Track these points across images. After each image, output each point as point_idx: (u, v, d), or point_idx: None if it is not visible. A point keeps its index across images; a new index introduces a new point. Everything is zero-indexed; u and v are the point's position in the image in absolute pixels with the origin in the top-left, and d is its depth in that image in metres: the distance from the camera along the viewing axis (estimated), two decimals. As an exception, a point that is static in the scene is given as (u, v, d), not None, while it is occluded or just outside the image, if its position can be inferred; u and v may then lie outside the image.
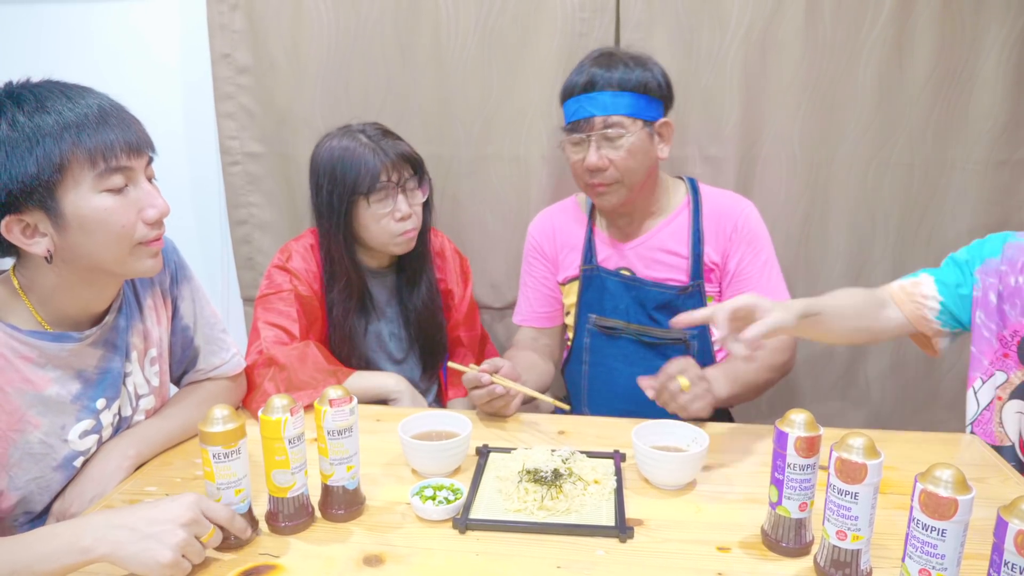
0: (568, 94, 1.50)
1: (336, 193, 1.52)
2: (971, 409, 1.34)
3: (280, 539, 1.01)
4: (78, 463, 1.14)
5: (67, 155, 1.00)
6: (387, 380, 1.53)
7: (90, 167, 1.02)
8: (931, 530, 0.80)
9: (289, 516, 1.02)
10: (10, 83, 1.04)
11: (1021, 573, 0.74)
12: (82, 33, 2.01)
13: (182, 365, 1.36)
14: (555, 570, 0.94)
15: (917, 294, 1.34)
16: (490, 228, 1.98)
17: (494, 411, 1.37)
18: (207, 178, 2.04)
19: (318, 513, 1.06)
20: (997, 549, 0.76)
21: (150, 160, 1.10)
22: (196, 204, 2.05)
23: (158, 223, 1.10)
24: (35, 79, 1.06)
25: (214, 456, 0.96)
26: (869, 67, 1.78)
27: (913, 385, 2.00)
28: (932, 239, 1.89)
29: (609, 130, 1.46)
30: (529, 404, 1.46)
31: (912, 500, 0.82)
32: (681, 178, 1.65)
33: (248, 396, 1.43)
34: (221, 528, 0.95)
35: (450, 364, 1.45)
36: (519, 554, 0.97)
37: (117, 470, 1.16)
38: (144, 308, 1.25)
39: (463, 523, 1.02)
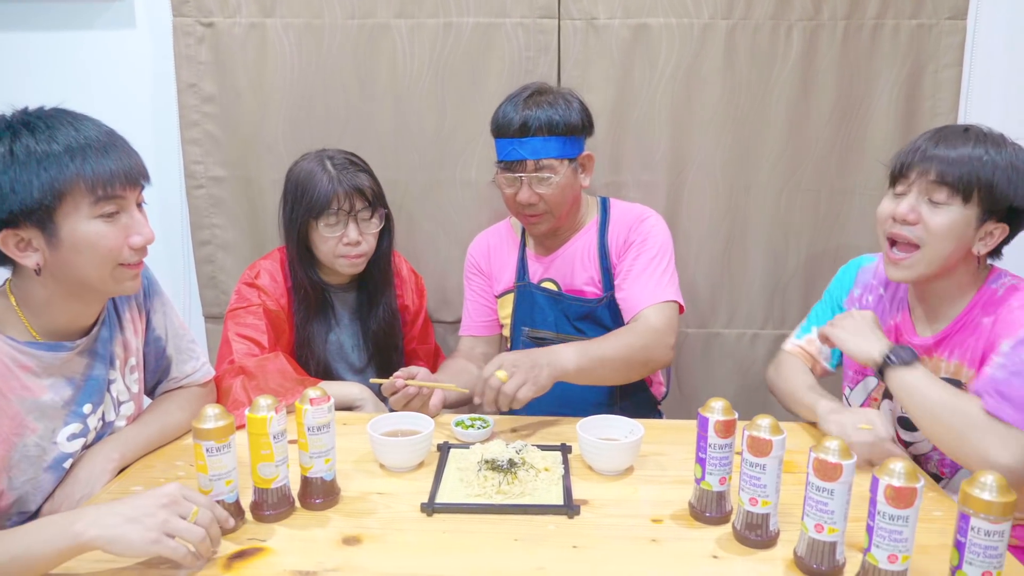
0: (502, 133, 1.63)
1: (295, 211, 1.66)
2: None
3: (265, 526, 1.12)
4: (67, 464, 1.23)
5: (70, 183, 1.10)
6: (352, 389, 1.65)
7: (89, 195, 1.12)
8: (822, 491, 0.98)
9: (273, 505, 1.13)
10: (25, 109, 1.14)
11: (890, 519, 0.92)
12: (51, 61, 2.08)
13: (156, 375, 1.45)
14: (513, 542, 1.08)
15: (814, 349, 1.58)
16: (443, 248, 2.12)
17: (416, 410, 1.50)
18: (172, 200, 2.12)
19: (298, 504, 1.18)
20: (872, 501, 0.94)
21: (142, 188, 1.21)
22: (161, 225, 2.12)
23: (142, 249, 1.20)
24: (47, 107, 1.16)
25: (207, 450, 1.07)
26: (780, 103, 2.00)
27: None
28: (838, 256, 2.10)
29: (540, 172, 1.62)
30: (461, 405, 1.65)
31: (808, 467, 1.00)
32: (595, 197, 1.83)
33: (220, 403, 1.53)
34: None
35: (372, 381, 1.58)
36: (481, 531, 1.11)
37: (103, 472, 1.24)
38: (124, 320, 1.34)
39: (430, 507, 1.16)
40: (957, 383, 1.32)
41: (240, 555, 1.04)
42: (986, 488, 0.89)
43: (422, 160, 2.06)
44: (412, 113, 2.03)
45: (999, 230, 1.28)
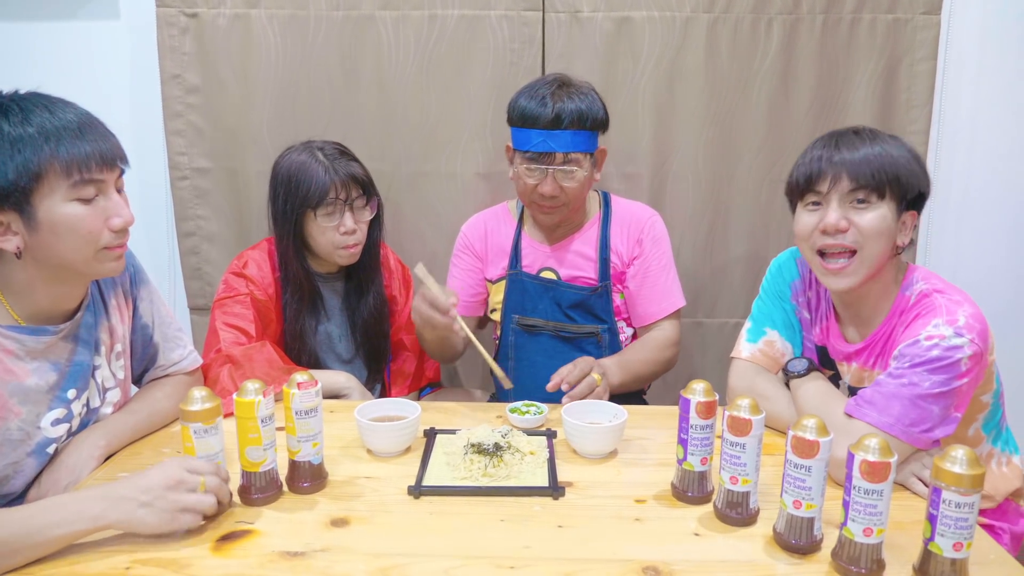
0: (529, 123, 1.62)
1: (289, 203, 1.66)
2: None
3: (253, 510, 1.13)
4: (50, 450, 1.23)
5: (44, 165, 1.10)
6: (338, 377, 1.66)
7: (65, 177, 1.12)
8: (800, 467, 1.00)
9: (261, 488, 1.14)
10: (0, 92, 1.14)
11: (865, 493, 0.95)
12: (33, 51, 2.08)
13: (143, 362, 1.45)
14: (499, 522, 1.10)
15: (776, 353, 1.46)
16: (429, 239, 2.13)
17: (433, 327, 1.47)
18: (156, 192, 2.12)
19: (286, 488, 1.19)
20: (848, 477, 0.96)
21: (121, 172, 1.21)
22: (145, 217, 2.12)
23: (123, 231, 1.20)
24: (22, 91, 1.16)
25: (194, 432, 1.08)
26: (760, 97, 2.03)
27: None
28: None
29: (567, 166, 1.63)
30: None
31: (786, 446, 1.02)
32: (596, 192, 1.86)
33: (207, 391, 1.54)
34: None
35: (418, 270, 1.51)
36: (467, 512, 1.13)
37: (89, 459, 1.25)
38: (109, 307, 1.34)
39: (417, 490, 1.17)
40: None
41: (228, 537, 1.05)
42: (957, 461, 0.92)
43: (407, 152, 2.07)
44: (397, 105, 2.04)
45: (910, 218, 1.30)
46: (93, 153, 1.13)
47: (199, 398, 1.09)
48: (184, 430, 1.08)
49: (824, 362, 1.45)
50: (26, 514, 0.99)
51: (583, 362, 1.52)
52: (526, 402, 1.46)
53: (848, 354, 1.38)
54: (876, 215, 1.25)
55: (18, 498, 1.21)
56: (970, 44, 2.05)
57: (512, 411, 1.44)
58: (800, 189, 1.31)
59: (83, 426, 1.29)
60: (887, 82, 2.02)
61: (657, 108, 2.04)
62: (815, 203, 1.30)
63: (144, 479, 1.03)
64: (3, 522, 0.97)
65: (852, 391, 1.36)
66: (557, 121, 1.60)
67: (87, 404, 1.29)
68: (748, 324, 1.51)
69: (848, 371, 1.39)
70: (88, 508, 1.00)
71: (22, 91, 1.16)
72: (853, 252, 1.27)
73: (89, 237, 1.15)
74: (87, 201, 1.14)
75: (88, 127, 1.15)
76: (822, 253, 1.30)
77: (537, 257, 1.81)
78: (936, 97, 2.04)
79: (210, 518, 1.08)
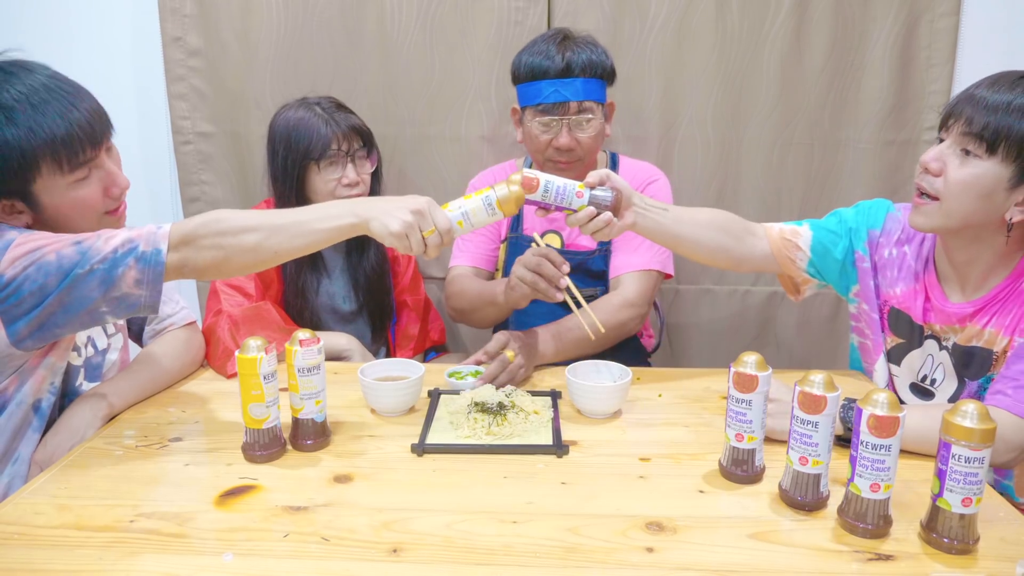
0: (539, 75, 1.58)
1: (290, 158, 1.65)
2: (881, 382, 1.43)
3: (256, 466, 1.13)
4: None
5: (36, 159, 1.13)
6: (339, 339, 1.66)
7: (58, 169, 1.15)
8: (807, 423, 0.99)
9: (264, 446, 1.14)
10: None
11: (872, 449, 0.93)
12: (34, 15, 2.05)
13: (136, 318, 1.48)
14: (502, 479, 1.09)
15: (791, 242, 1.42)
16: (433, 203, 2.11)
17: (538, 277, 1.40)
18: (159, 157, 2.11)
19: (289, 446, 1.19)
20: (856, 432, 0.95)
21: (109, 136, 1.23)
22: (149, 183, 2.12)
23: (121, 194, 1.25)
24: None
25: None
26: (772, 56, 1.98)
27: (817, 344, 2.22)
28: (831, 211, 2.10)
29: (581, 115, 1.60)
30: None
31: (793, 401, 1.00)
32: (604, 151, 1.82)
33: (209, 353, 1.54)
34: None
35: (536, 237, 1.47)
36: (471, 469, 1.12)
37: (93, 419, 1.26)
38: None
39: (420, 448, 1.17)
40: (988, 352, 1.26)
41: (232, 492, 1.05)
42: (968, 416, 0.89)
43: (411, 115, 2.05)
44: (400, 67, 2.01)
45: None
46: (80, 136, 1.15)
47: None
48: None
49: (900, 328, 1.38)
50: (301, 210, 1.18)
51: (492, 344, 1.44)
52: (463, 370, 1.44)
53: (962, 316, 1.28)
54: (971, 172, 1.16)
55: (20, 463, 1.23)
56: (993, -1, 1.99)
57: (451, 375, 1.41)
58: (940, 122, 1.23)
59: (93, 368, 1.33)
60: (906, 39, 1.96)
61: (665, 68, 2.00)
62: (941, 139, 1.22)
63: (398, 199, 1.18)
64: (284, 213, 1.16)
65: (958, 350, 1.29)
66: (568, 70, 1.57)
67: (94, 345, 1.34)
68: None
69: (957, 333, 1.29)
70: (354, 208, 1.16)
71: None
72: (936, 199, 1.20)
73: (91, 211, 1.22)
74: (83, 181, 1.19)
75: (63, 102, 1.14)
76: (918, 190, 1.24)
77: (539, 222, 1.77)
78: (958, 55, 1.98)
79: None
